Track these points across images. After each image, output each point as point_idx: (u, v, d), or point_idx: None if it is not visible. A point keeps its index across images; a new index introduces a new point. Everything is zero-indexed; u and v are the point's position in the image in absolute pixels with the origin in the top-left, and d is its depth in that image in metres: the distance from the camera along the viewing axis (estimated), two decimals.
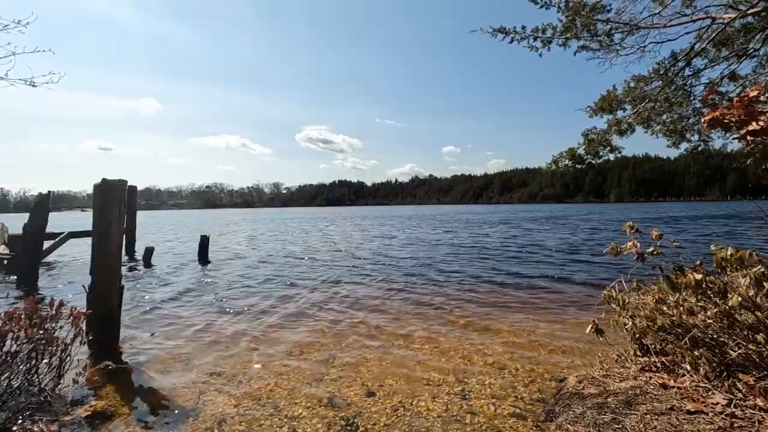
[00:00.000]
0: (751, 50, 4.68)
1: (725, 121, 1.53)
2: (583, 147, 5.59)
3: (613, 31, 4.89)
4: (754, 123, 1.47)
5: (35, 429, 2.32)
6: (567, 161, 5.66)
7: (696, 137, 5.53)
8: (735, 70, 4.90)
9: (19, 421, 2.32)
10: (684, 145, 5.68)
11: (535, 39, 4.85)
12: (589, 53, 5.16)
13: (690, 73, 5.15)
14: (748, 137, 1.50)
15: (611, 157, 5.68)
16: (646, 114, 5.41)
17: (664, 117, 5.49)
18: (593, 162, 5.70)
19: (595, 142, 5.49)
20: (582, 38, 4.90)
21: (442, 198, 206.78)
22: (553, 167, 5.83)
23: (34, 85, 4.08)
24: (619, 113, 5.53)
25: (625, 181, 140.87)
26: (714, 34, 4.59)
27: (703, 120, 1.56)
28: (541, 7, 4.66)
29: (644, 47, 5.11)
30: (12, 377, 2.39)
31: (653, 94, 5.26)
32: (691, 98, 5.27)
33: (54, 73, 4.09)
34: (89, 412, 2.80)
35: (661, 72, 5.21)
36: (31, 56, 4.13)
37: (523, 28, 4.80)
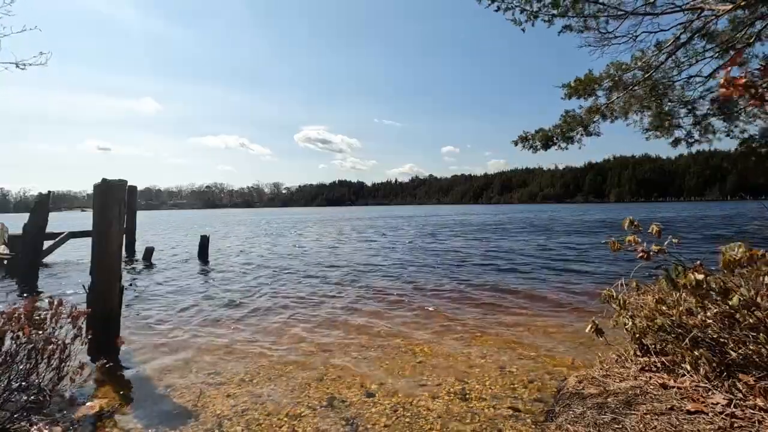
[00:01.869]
0: (740, 44, 4.63)
1: (748, 86, 1.44)
2: (557, 128, 5.51)
3: (600, 14, 4.81)
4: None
5: (34, 429, 2.32)
6: (536, 141, 5.58)
7: (682, 132, 5.48)
8: (719, 65, 4.87)
9: (19, 422, 2.32)
10: (667, 138, 5.62)
11: (521, 11, 4.75)
12: (581, 41, 5.08)
13: (672, 65, 5.09)
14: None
15: (585, 141, 5.54)
16: (627, 103, 5.35)
17: (644, 107, 5.43)
18: (563, 147, 5.57)
19: (570, 124, 5.41)
20: (569, 17, 4.80)
21: (443, 198, 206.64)
22: (519, 145, 5.73)
23: (23, 67, 4.03)
24: (600, 101, 5.46)
25: (625, 181, 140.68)
26: (703, 25, 4.55)
27: (722, 81, 1.48)
28: None
29: (636, 36, 5.04)
30: (11, 377, 2.39)
31: (633, 83, 5.20)
32: (672, 92, 5.22)
33: (44, 53, 4.04)
34: (89, 412, 2.80)
35: (644, 61, 5.15)
36: (23, 50, 4.09)
37: None
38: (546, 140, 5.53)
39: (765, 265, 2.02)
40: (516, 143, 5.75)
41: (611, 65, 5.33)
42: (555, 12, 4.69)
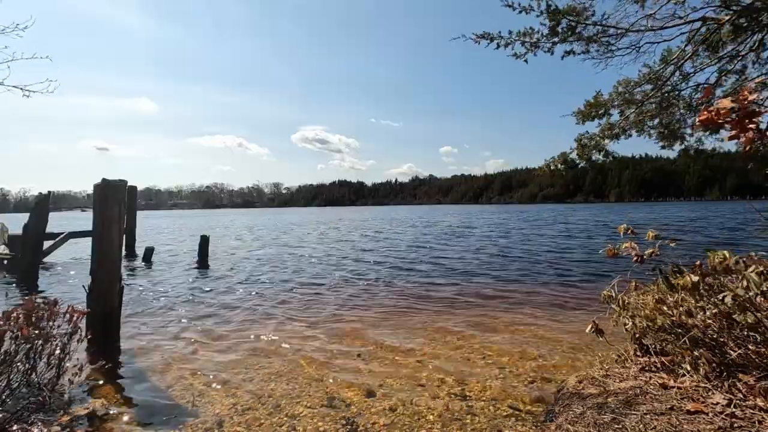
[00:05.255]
0: (744, 52, 4.65)
1: (720, 121, 1.52)
2: (576, 152, 5.56)
3: (599, 36, 4.84)
4: (753, 124, 1.47)
5: (33, 429, 2.32)
6: (560, 165, 5.64)
7: (690, 138, 5.52)
8: (723, 74, 4.89)
9: (18, 422, 2.32)
10: (678, 147, 5.67)
11: (522, 44, 4.77)
12: (584, 54, 5.12)
13: (679, 76, 5.13)
14: (750, 135, 1.48)
15: (604, 159, 5.62)
16: (638, 118, 5.39)
17: (656, 121, 5.46)
18: (586, 166, 5.66)
19: (588, 147, 5.46)
20: (569, 42, 4.83)
21: (443, 198, 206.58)
22: (546, 171, 5.81)
23: (28, 94, 4.10)
24: (612, 118, 5.50)
25: (625, 181, 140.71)
26: (707, 36, 4.56)
27: (697, 120, 1.55)
28: (520, 12, 4.55)
29: (639, 47, 5.08)
30: (11, 377, 2.39)
31: (643, 98, 5.23)
32: (680, 101, 5.25)
33: (51, 80, 4.12)
34: (88, 412, 2.80)
35: (651, 76, 5.18)
36: (28, 61, 4.16)
37: (510, 33, 4.73)
38: (567, 163, 5.58)
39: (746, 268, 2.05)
40: (542, 171, 5.82)
41: (620, 83, 5.37)
42: (555, 39, 4.70)
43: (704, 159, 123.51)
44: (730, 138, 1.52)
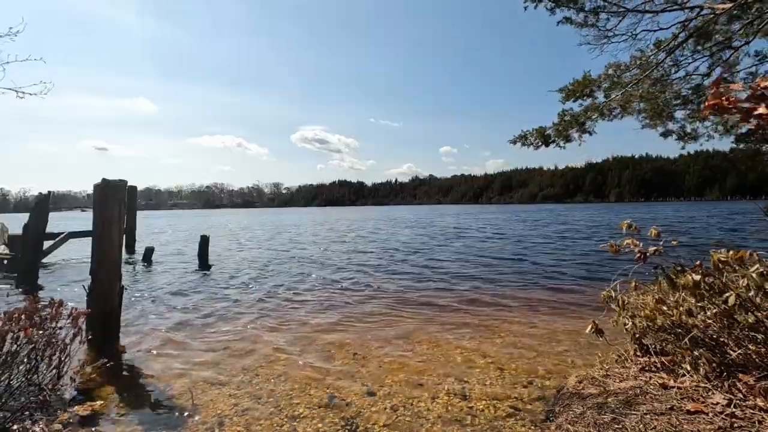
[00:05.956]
0: (738, 43, 4.66)
1: (729, 107, 1.51)
2: (554, 128, 5.51)
3: (599, 10, 4.84)
4: (763, 107, 1.46)
5: (35, 429, 2.32)
6: (535, 139, 5.59)
7: (675, 125, 5.50)
8: (714, 64, 4.90)
9: (20, 421, 2.32)
10: (661, 128, 5.64)
11: None
12: (581, 38, 5.10)
13: (671, 62, 5.11)
14: (753, 120, 1.48)
15: (580, 141, 5.51)
16: (625, 99, 5.36)
17: (642, 105, 5.44)
18: (561, 146, 5.56)
19: (569, 124, 5.42)
20: (570, 8, 4.83)
21: (443, 198, 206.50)
22: (519, 144, 5.74)
23: (22, 96, 4.12)
24: (598, 99, 5.46)
25: (625, 181, 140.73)
26: (702, 24, 4.56)
27: (704, 106, 1.54)
28: None
29: (636, 35, 5.06)
30: (12, 377, 2.39)
31: (631, 81, 5.21)
32: (670, 88, 5.24)
33: (45, 83, 4.14)
34: (88, 412, 2.80)
35: (642, 61, 5.17)
36: (25, 63, 4.17)
37: None
38: (544, 138, 5.52)
39: (752, 264, 2.05)
40: (514, 142, 5.72)
41: (610, 66, 5.33)
42: (558, 1, 4.70)
43: (704, 159, 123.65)
44: (741, 121, 1.51)
